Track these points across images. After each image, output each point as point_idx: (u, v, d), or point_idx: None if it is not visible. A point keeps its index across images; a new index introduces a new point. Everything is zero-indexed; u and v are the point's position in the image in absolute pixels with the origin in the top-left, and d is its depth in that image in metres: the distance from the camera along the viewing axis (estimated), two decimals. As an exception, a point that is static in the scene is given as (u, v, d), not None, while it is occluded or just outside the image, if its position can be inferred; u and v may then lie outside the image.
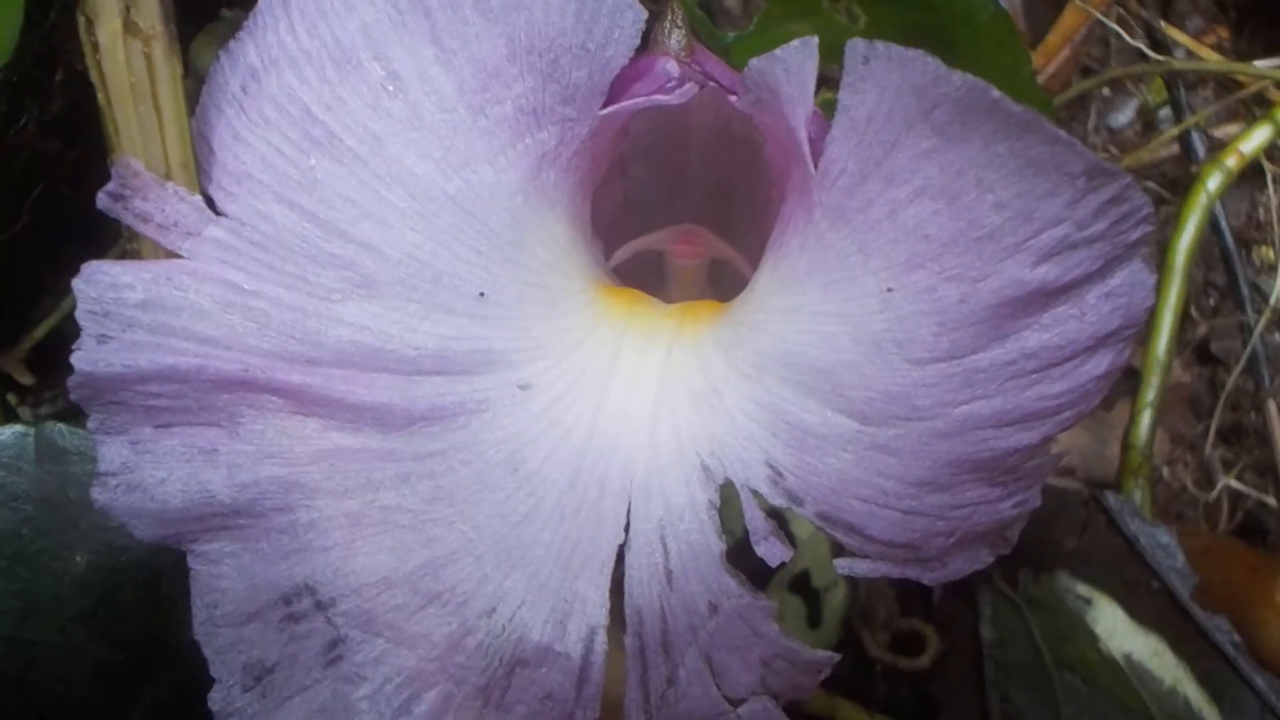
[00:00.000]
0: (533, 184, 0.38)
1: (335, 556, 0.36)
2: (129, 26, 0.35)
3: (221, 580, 0.36)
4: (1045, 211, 0.33)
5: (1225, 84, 0.81)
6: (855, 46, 0.34)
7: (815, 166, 0.35)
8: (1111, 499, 0.66)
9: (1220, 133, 0.79)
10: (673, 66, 0.38)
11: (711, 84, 0.39)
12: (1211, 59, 0.76)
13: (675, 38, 0.39)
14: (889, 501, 0.36)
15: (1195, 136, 0.77)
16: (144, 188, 0.35)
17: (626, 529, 0.37)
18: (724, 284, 0.53)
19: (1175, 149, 0.79)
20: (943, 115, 0.33)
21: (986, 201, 0.34)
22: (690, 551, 0.36)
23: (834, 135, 0.35)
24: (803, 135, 0.35)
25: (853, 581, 0.70)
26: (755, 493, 0.37)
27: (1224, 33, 0.91)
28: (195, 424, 0.36)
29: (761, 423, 0.37)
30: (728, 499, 0.38)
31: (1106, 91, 0.86)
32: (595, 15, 0.36)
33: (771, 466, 0.37)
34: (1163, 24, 0.77)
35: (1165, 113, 0.88)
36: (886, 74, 0.33)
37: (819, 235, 0.36)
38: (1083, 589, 0.65)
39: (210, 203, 0.36)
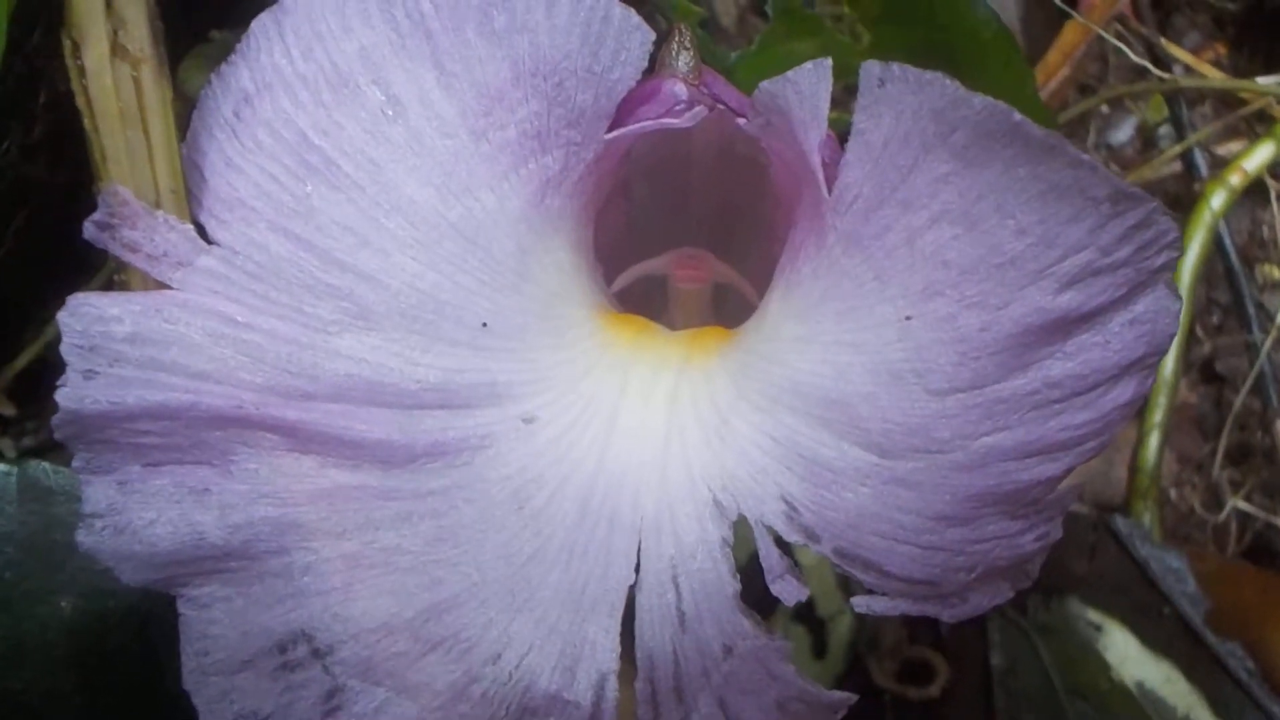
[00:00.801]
0: (537, 210, 0.37)
1: (333, 601, 0.34)
2: (117, 49, 0.34)
3: (213, 626, 0.34)
4: (1068, 237, 0.32)
5: (1227, 101, 0.80)
6: (870, 69, 0.33)
7: (829, 191, 0.34)
8: (1121, 523, 0.65)
9: (1223, 150, 0.78)
10: (681, 89, 0.37)
11: (720, 107, 0.38)
12: (1214, 76, 0.75)
13: (683, 60, 0.38)
14: (908, 537, 0.35)
15: (1198, 154, 0.77)
16: (132, 216, 0.34)
17: (637, 568, 0.36)
18: (727, 308, 0.52)
19: (1177, 166, 0.78)
20: (962, 139, 0.32)
21: (1008, 227, 0.33)
22: (703, 591, 0.35)
23: (849, 159, 0.34)
24: (816, 160, 0.34)
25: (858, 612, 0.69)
26: (770, 529, 0.36)
27: (1222, 49, 0.90)
28: (186, 463, 0.34)
29: (775, 456, 0.36)
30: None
31: (1105, 109, 0.85)
32: (601, 38, 0.35)
33: (787, 501, 0.36)
34: (1163, 41, 0.76)
35: (1164, 130, 0.87)
36: (903, 97, 0.32)
37: (833, 262, 0.35)
38: (1093, 615, 0.64)
39: (202, 231, 0.35)
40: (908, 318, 0.34)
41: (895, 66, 0.32)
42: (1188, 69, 0.80)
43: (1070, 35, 0.75)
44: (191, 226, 0.35)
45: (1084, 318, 0.33)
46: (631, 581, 0.36)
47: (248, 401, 0.34)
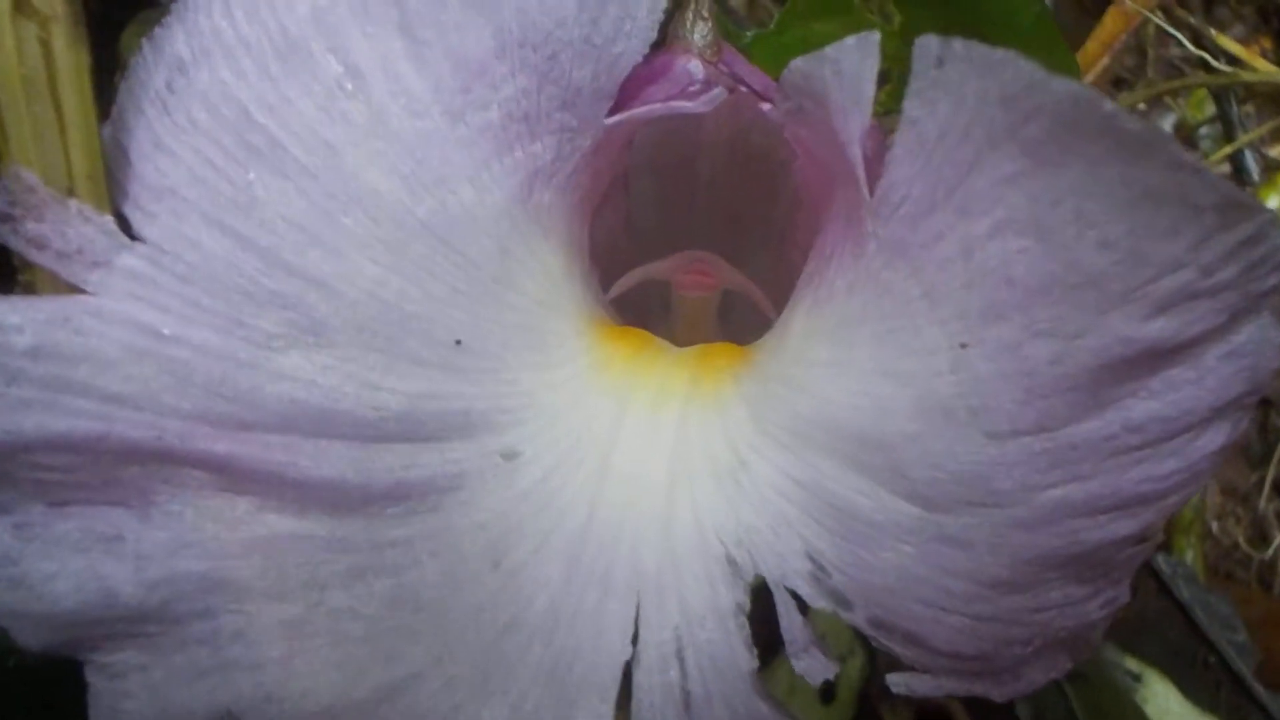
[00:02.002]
0: (523, 206, 0.32)
1: (268, 677, 0.29)
2: (21, 5, 0.28)
3: (126, 701, 0.29)
4: (1164, 254, 0.27)
5: (1276, 99, 0.76)
6: (927, 46, 0.28)
7: (871, 192, 0.30)
8: (1163, 561, 0.60)
9: (1276, 152, 0.73)
10: (696, 66, 0.32)
11: (742, 89, 0.33)
12: (1271, 71, 0.71)
13: (700, 31, 0.33)
14: (957, 606, 0.30)
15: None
16: (39, 206, 0.29)
17: (635, 640, 0.31)
18: (734, 318, 0.48)
19: (1225, 168, 0.73)
20: (1036, 132, 0.27)
21: (1088, 239, 0.28)
22: (713, 668, 0.30)
23: (896, 154, 0.29)
24: (857, 154, 0.30)
25: (869, 648, 0.64)
26: (793, 593, 0.31)
27: (1267, 43, 0.86)
28: (96, 503, 0.29)
29: (801, 505, 0.31)
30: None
31: (1142, 106, 0.81)
32: (603, 3, 0.30)
33: (813, 560, 0.31)
34: (1213, 33, 0.71)
35: (1205, 130, 0.83)
36: (966, 80, 0.28)
37: (873, 275, 0.30)
38: (1131, 663, 0.59)
39: (124, 225, 0.30)
40: (963, 345, 0.29)
41: (958, 43, 0.27)
42: (1232, 61, 0.75)
43: (1111, 24, 0.70)
44: (111, 219, 0.30)
45: (1175, 349, 0.29)
46: (628, 656, 0.31)
47: (171, 431, 0.29)
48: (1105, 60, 0.73)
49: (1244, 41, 0.81)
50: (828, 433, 0.31)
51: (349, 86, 0.29)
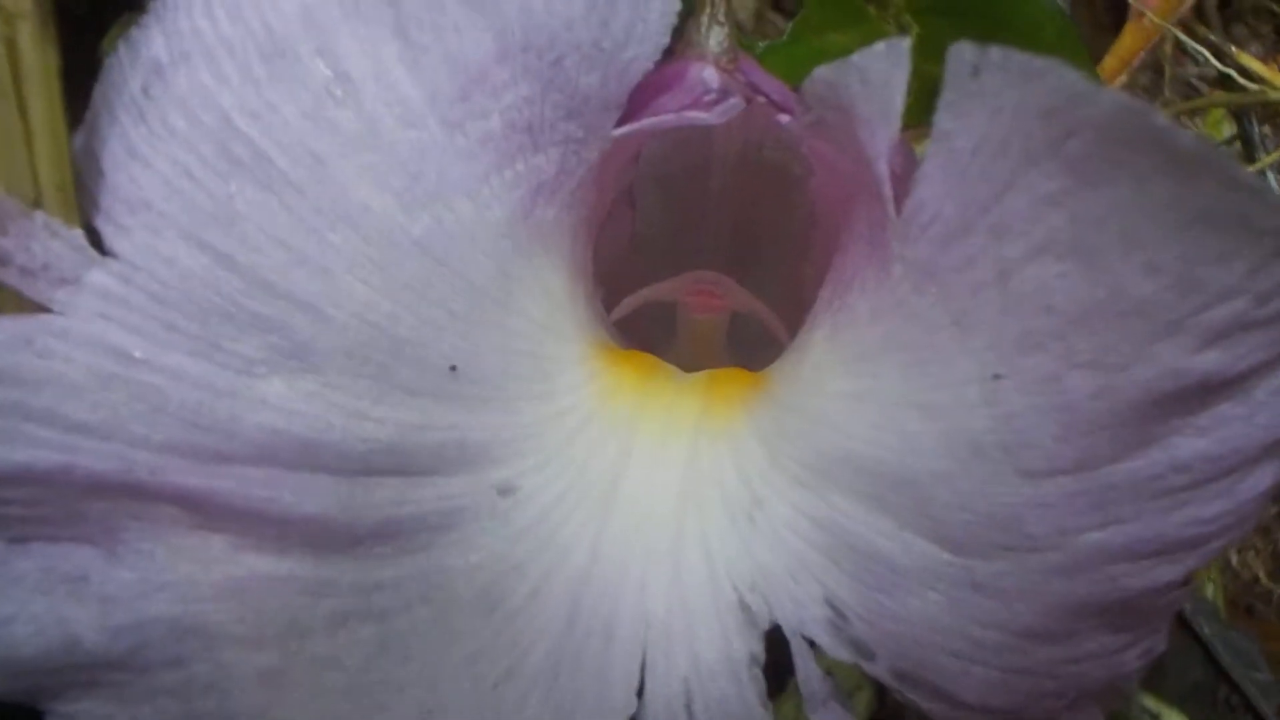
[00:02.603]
0: (525, 224, 0.30)
1: (243, 732, 0.27)
2: (-15, 2, 0.27)
3: (89, 755, 0.27)
4: (1218, 280, 0.25)
5: (1295, 118, 0.74)
6: (961, 54, 0.26)
7: (898, 210, 0.28)
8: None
9: (1297, 173, 0.71)
10: (711, 75, 0.30)
11: (760, 99, 0.31)
12: (1294, 89, 0.69)
13: (716, 37, 0.31)
14: (987, 657, 0.28)
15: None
16: (1, 218, 0.27)
17: (640, 692, 0.29)
18: (744, 341, 0.46)
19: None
20: (1080, 147, 0.25)
21: (1135, 263, 0.26)
22: (726, 724, 0.28)
23: (927, 170, 0.27)
24: (884, 169, 0.28)
25: (879, 683, 0.62)
26: (810, 641, 0.29)
27: (1286, 61, 0.84)
28: (59, 541, 0.27)
29: (819, 547, 0.29)
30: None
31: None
32: (613, 5, 0.28)
33: (833, 607, 0.29)
34: (1234, 50, 0.70)
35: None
36: (1003, 90, 0.26)
37: (900, 300, 0.28)
38: (1149, 702, 0.57)
39: (95, 240, 0.28)
40: (996, 376, 0.27)
41: (995, 51, 0.25)
42: (1255, 80, 0.73)
43: (1130, 40, 0.69)
44: (80, 233, 0.28)
45: (1226, 384, 0.27)
46: (633, 710, 0.28)
47: (141, 463, 0.27)
48: (1123, 78, 0.71)
49: (1262, 60, 0.80)
50: (848, 469, 0.29)
51: (338, 93, 0.27)
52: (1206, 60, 0.74)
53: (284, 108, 0.27)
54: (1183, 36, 0.62)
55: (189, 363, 0.27)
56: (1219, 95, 0.69)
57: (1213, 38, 0.70)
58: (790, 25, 0.47)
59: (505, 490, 0.29)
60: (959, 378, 0.28)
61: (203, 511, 0.27)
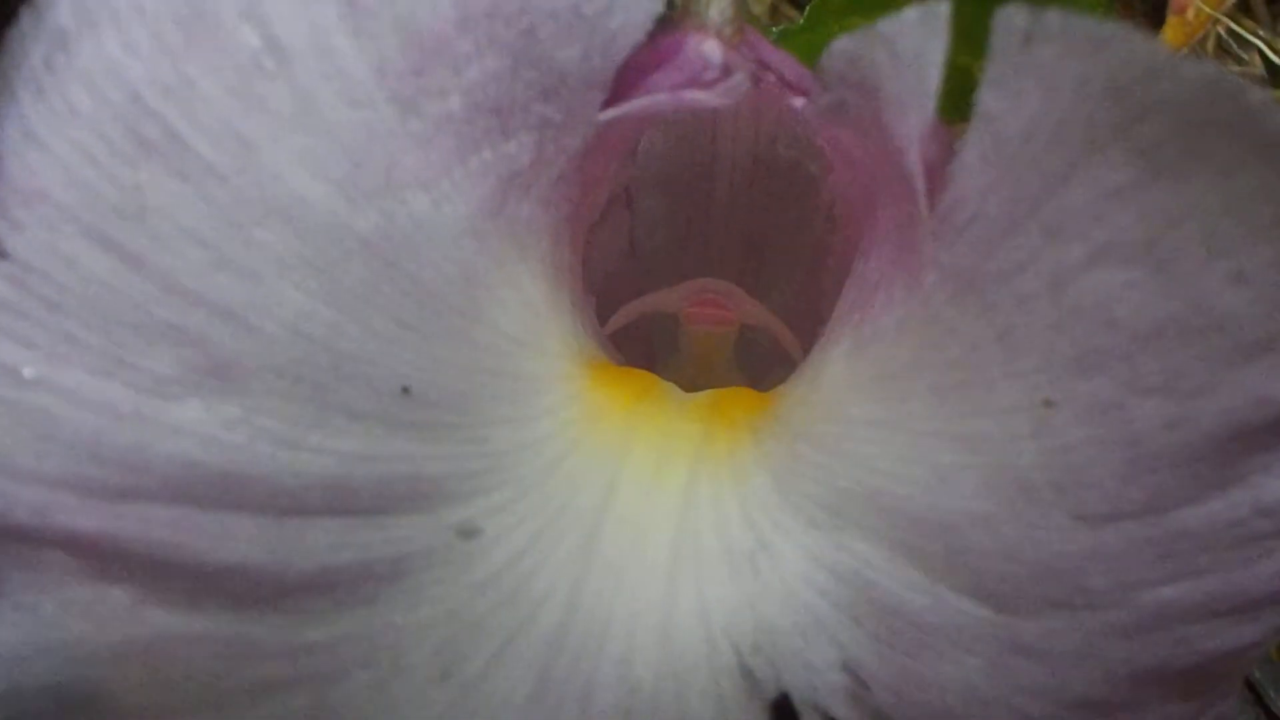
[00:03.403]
0: (494, 221, 0.26)
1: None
2: None
3: None
4: (1319, 291, 0.21)
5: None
6: (1011, 20, 0.22)
7: (933, 208, 0.23)
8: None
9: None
10: (713, 49, 0.26)
11: (769, 77, 0.27)
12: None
13: (718, 5, 0.26)
14: (1036, 733, 0.24)
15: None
16: (-127, 211, 0.23)
17: (622, 778, 0.24)
18: (753, 356, 0.42)
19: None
20: (1154, 131, 0.21)
21: (1218, 271, 0.22)
22: (724, 818, 0.24)
23: (967, 160, 0.23)
24: (916, 158, 0.23)
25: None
26: (826, 714, 0.24)
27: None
28: (-70, 593, 0.23)
29: (836, 601, 0.25)
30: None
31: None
32: (594, -38, 0.24)
33: (852, 672, 0.25)
34: (1283, 45, 0.65)
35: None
36: (1061, 63, 0.21)
37: (933, 312, 0.24)
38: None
39: (-13, 237, 0.24)
40: (1049, 403, 0.23)
41: (1052, 16, 0.21)
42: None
43: (1172, 36, 0.64)
44: (-32, 229, 0.24)
45: (1323, 414, 0.22)
46: (613, 801, 0.24)
47: (25, 502, 0.22)
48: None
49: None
50: (871, 509, 0.25)
51: (269, 65, 0.23)
52: (1250, 61, 0.70)
53: (204, 82, 0.23)
54: (1235, 27, 0.58)
55: (88, 381, 0.23)
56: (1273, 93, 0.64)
57: (1260, 34, 0.66)
58: (807, 9, 0.43)
59: (466, 533, 0.25)
60: (1003, 404, 0.23)
61: (100, 559, 0.23)
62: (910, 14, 0.23)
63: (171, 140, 0.23)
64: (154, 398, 0.23)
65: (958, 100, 0.24)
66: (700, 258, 0.41)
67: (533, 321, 0.27)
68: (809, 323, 0.39)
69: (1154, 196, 0.21)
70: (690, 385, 0.38)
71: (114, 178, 0.23)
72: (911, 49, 0.23)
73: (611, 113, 0.26)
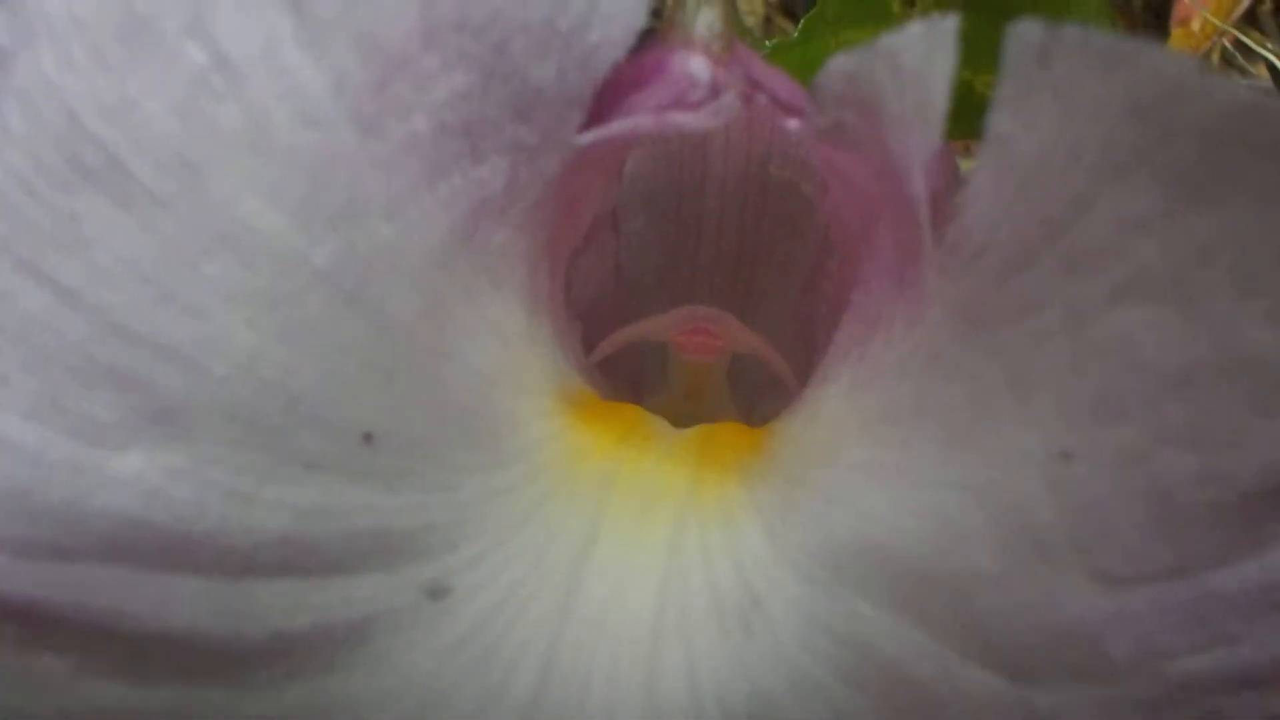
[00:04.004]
0: (465, 250, 0.24)
1: None
2: None
3: None
4: (1363, 331, 0.19)
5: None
6: (1026, 35, 0.20)
7: (939, 238, 0.22)
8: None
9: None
10: (700, 66, 0.24)
11: (761, 97, 0.25)
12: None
13: (705, 20, 0.24)
14: (1052, 814, 0.22)
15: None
16: None
17: None
18: (745, 383, 0.40)
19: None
20: (1183, 155, 0.19)
21: (1253, 310, 0.20)
22: None
23: (978, 186, 0.21)
24: (921, 184, 0.22)
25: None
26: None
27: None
28: None
29: (835, 666, 0.23)
30: None
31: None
32: (571, -28, 0.22)
33: (852, 745, 0.23)
34: (1292, 58, 0.64)
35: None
36: (1081, 81, 0.20)
37: (937, 351, 0.22)
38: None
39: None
40: (1065, 454, 0.21)
41: (1071, 31, 0.20)
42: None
43: (1177, 47, 0.63)
44: (-108, 260, 0.22)
45: (1366, 466, 0.21)
46: None
47: (-51, 563, 0.21)
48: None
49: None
50: (872, 565, 0.23)
51: (217, 84, 0.21)
52: (1256, 73, 0.68)
53: (146, 102, 0.21)
54: (1243, 38, 0.56)
55: (19, 429, 0.21)
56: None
57: (1269, 46, 0.64)
58: (801, 22, 0.41)
59: (434, 592, 0.23)
60: (1016, 454, 0.21)
61: (33, 625, 0.21)
62: (915, 28, 0.21)
63: (111, 165, 0.21)
64: (91, 447, 0.21)
65: (961, 119, 0.23)
66: (689, 283, 0.39)
67: (507, 356, 0.25)
68: (804, 350, 0.37)
69: (1182, 227, 0.20)
70: (680, 415, 0.36)
71: (50, 206, 0.21)
72: (916, 66, 0.21)
73: (591, 135, 0.24)
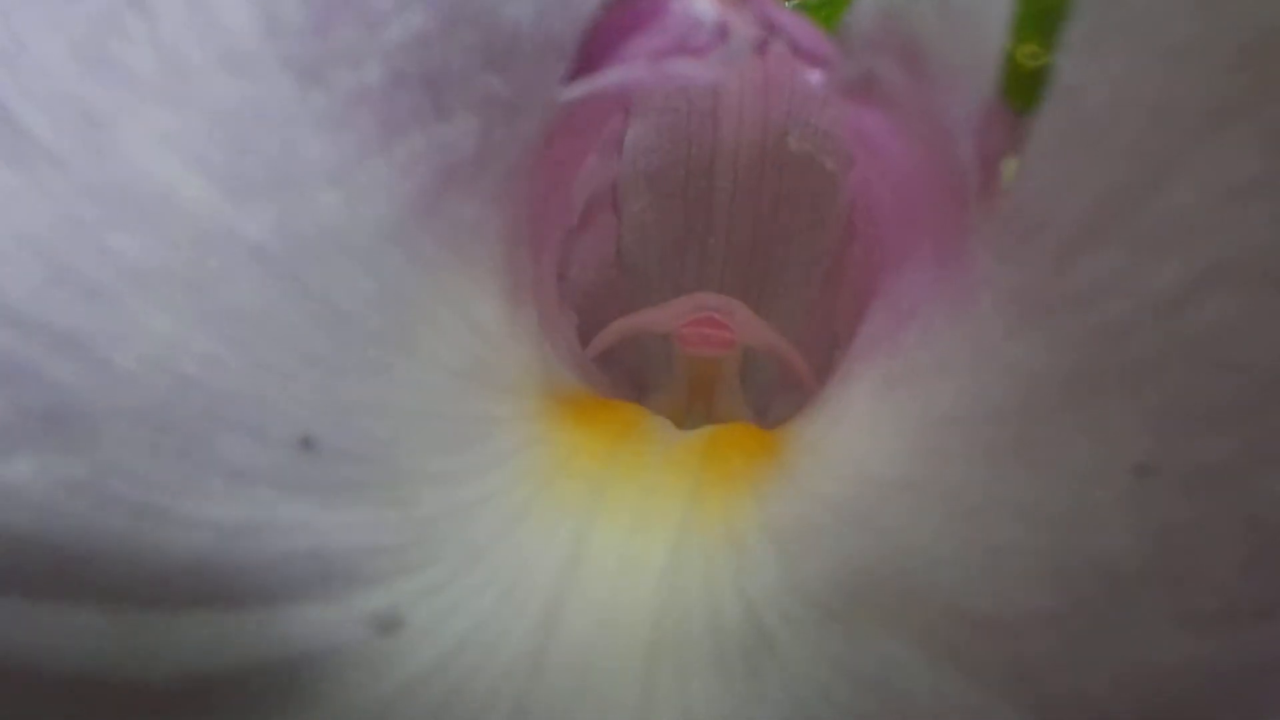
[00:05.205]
0: (428, 223, 0.20)
1: None
2: None
3: None
4: None
5: None
6: (1099, -39, 0.16)
7: (990, 210, 0.18)
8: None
9: None
10: (705, 6, 0.21)
11: (778, 43, 0.21)
12: None
13: (711, -50, 0.21)
14: None
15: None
16: None
17: None
18: (757, 380, 0.36)
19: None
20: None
21: (1379, 298, 0.16)
22: None
23: (1040, 147, 0.17)
24: (971, 146, 0.18)
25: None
26: None
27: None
28: None
29: (860, 717, 0.20)
30: None
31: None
32: (553, -109, 0.19)
33: (876, 814, 0.19)
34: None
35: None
36: (1167, 19, 0.16)
37: (987, 347, 0.19)
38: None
39: None
40: (1142, 470, 0.18)
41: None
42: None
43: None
44: None
45: None
46: None
47: None
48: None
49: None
50: (903, 599, 0.20)
51: (126, 21, 0.18)
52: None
53: (41, 43, 0.18)
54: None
55: (-112, 431, 0.18)
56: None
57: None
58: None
59: (384, 625, 0.20)
60: (1079, 470, 0.18)
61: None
62: (965, -42, 0.18)
63: (2, 121, 0.18)
64: (-30, 454, 0.18)
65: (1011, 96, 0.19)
66: (697, 269, 0.35)
67: (481, 349, 0.22)
68: (823, 345, 0.34)
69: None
70: (686, 416, 0.33)
71: (-76, 166, 0.18)
72: (965, 8, 0.18)
73: (576, 88, 0.20)
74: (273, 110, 0.19)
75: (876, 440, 0.21)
